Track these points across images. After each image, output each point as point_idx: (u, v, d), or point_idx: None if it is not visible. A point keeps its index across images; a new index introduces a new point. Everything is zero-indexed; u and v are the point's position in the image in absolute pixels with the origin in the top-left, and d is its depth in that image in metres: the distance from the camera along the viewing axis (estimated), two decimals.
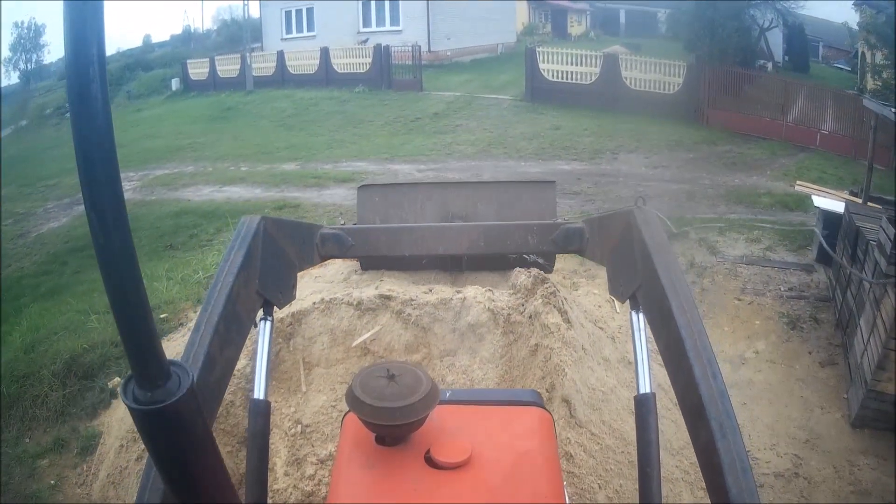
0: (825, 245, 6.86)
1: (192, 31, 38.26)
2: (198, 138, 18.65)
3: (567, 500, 1.58)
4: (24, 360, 7.13)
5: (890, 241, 5.06)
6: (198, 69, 27.63)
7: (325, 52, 23.30)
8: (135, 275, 0.87)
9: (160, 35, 40.11)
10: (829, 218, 7.40)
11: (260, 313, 2.10)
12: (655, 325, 1.84)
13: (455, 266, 4.94)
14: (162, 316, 7.20)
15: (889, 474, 5.14)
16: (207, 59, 27.43)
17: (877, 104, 7.75)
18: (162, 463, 0.98)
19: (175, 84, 27.87)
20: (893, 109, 7.27)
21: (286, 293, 2.36)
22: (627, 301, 2.11)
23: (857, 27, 19.32)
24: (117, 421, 5.70)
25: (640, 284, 2.02)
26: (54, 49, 32.58)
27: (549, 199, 3.61)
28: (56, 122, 25.88)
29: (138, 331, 0.88)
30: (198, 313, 1.76)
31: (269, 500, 3.23)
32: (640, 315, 2.01)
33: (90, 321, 7.37)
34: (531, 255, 4.22)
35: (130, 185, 14.65)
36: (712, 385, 1.45)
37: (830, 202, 7.57)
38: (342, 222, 4.15)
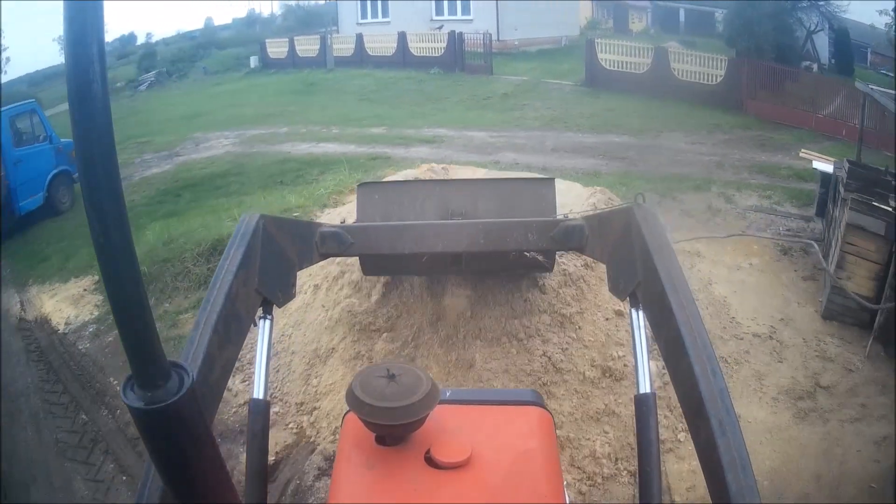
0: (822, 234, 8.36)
1: (257, 14, 40.15)
2: (286, 107, 19.90)
3: (567, 500, 1.58)
4: (164, 250, 8.25)
5: (845, 173, 6.87)
6: (276, 48, 28.90)
7: (402, 36, 24.65)
8: (135, 275, 0.87)
9: (221, 18, 41.57)
10: (825, 178, 8.95)
11: (259, 312, 2.11)
12: (655, 323, 1.85)
13: (455, 267, 4.50)
14: (295, 214, 8.46)
15: (851, 352, 6.15)
16: (286, 39, 28.81)
17: (863, 84, 9.48)
18: (162, 463, 0.98)
19: (253, 62, 29.11)
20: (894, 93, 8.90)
21: (286, 292, 2.33)
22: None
23: (884, 28, 20.16)
24: None
25: (639, 282, 2.02)
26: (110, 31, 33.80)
27: (548, 197, 3.49)
28: (130, 94, 27.04)
29: (138, 331, 0.88)
30: (198, 312, 1.79)
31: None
32: (640, 313, 1.99)
33: (227, 220, 8.52)
34: (531, 253, 3.88)
35: (228, 141, 16.15)
36: (712, 382, 1.45)
37: (827, 165, 9.15)
38: (342, 221, 4.76)
